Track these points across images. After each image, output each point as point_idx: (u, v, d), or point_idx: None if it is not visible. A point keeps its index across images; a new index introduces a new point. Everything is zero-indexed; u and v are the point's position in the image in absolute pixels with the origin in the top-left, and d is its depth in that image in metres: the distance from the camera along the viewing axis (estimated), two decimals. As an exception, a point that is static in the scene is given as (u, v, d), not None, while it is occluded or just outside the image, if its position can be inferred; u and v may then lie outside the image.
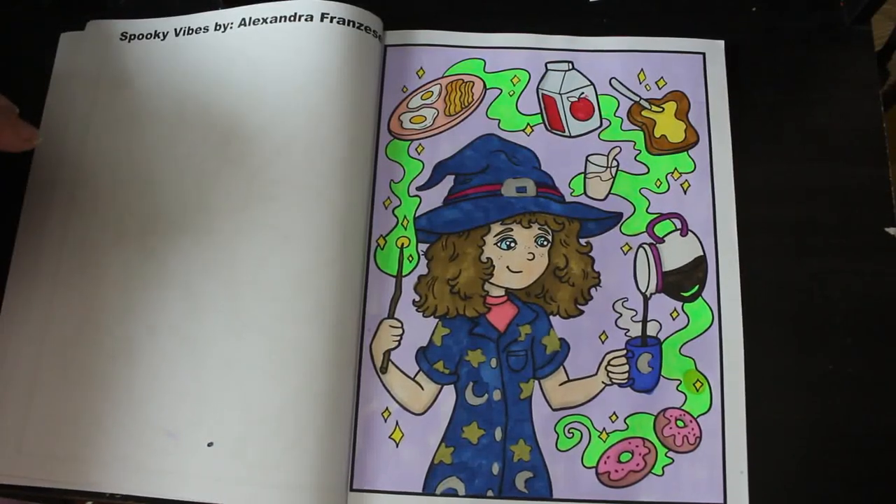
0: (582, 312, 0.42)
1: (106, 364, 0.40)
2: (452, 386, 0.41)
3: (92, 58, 0.46)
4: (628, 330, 0.41)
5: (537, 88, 0.46)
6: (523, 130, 0.45)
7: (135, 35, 0.47)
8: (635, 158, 0.44)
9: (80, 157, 0.44)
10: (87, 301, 0.42)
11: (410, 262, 0.43)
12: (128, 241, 0.43)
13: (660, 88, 0.46)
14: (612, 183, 0.44)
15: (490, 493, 0.39)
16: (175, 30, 0.47)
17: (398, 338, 0.42)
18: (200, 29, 0.46)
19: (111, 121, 0.45)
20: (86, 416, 0.40)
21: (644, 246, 0.43)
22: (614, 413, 0.40)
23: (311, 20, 0.45)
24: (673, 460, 0.39)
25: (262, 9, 0.46)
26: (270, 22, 0.45)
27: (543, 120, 0.45)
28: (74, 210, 0.43)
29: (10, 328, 0.42)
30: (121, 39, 0.47)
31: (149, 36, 0.47)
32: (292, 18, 0.45)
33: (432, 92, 0.46)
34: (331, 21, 0.45)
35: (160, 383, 0.40)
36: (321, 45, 0.44)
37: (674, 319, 0.41)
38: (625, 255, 0.43)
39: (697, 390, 0.40)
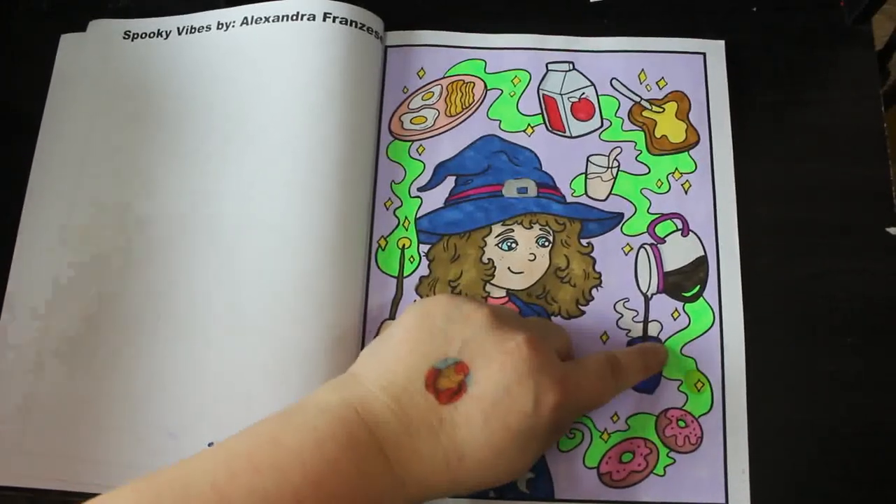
0: (583, 313, 0.42)
1: (106, 364, 0.40)
2: (454, 386, 0.41)
3: (94, 58, 0.46)
4: (629, 330, 0.41)
5: (538, 89, 0.46)
6: (524, 131, 0.45)
7: (137, 34, 0.47)
8: (636, 159, 0.44)
9: (82, 157, 0.44)
10: (88, 301, 0.42)
11: (412, 263, 0.43)
12: (128, 240, 0.43)
13: (660, 89, 0.46)
14: (613, 183, 0.44)
15: (491, 493, 0.39)
16: (178, 28, 0.47)
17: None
18: (203, 28, 0.46)
19: (113, 121, 0.45)
20: (86, 417, 0.40)
21: (645, 246, 0.43)
22: (615, 413, 0.40)
23: (314, 19, 0.45)
24: (674, 460, 0.39)
25: (263, 7, 0.46)
26: (272, 21, 0.45)
27: (544, 120, 0.45)
28: (75, 210, 0.43)
29: (11, 326, 0.42)
30: (123, 38, 0.47)
31: (151, 35, 0.47)
32: (294, 17, 0.45)
33: (433, 92, 0.46)
34: (333, 21, 0.44)
35: (161, 383, 0.40)
36: (323, 44, 0.44)
37: (675, 320, 0.41)
38: (626, 255, 0.43)
39: (699, 390, 0.40)
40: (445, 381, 0.32)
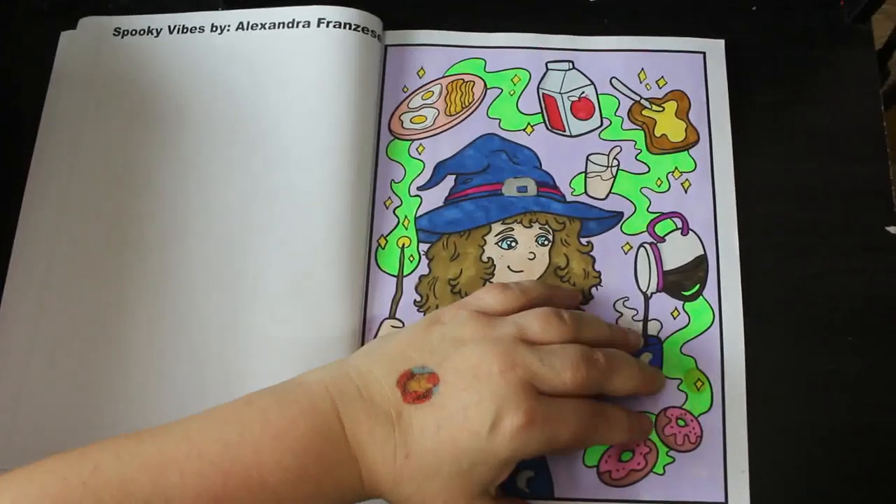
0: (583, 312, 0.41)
1: (101, 362, 0.40)
2: (453, 385, 0.41)
3: (86, 55, 0.46)
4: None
5: (538, 88, 0.46)
6: (524, 130, 0.45)
7: (128, 31, 0.47)
8: (636, 158, 0.44)
9: (77, 155, 0.44)
10: (82, 300, 0.41)
11: (411, 262, 0.43)
12: (124, 241, 0.42)
13: (660, 88, 0.46)
14: (613, 182, 0.44)
15: (491, 492, 0.39)
16: (169, 27, 0.47)
17: (399, 338, 0.42)
18: (196, 28, 0.46)
19: (106, 119, 0.45)
20: (78, 413, 0.40)
21: (645, 245, 0.43)
22: (615, 412, 0.40)
23: (309, 26, 0.45)
24: (674, 459, 0.39)
25: (259, 14, 0.46)
26: (268, 28, 0.46)
27: (544, 119, 0.45)
28: (72, 209, 0.43)
29: (6, 324, 0.42)
30: (114, 35, 0.47)
31: (142, 32, 0.47)
32: (290, 25, 0.45)
33: (433, 92, 0.46)
34: (327, 26, 0.45)
35: (157, 382, 0.40)
36: (320, 50, 0.44)
37: (674, 319, 0.41)
38: (625, 254, 0.43)
39: (698, 389, 0.40)
40: (415, 384, 0.34)
